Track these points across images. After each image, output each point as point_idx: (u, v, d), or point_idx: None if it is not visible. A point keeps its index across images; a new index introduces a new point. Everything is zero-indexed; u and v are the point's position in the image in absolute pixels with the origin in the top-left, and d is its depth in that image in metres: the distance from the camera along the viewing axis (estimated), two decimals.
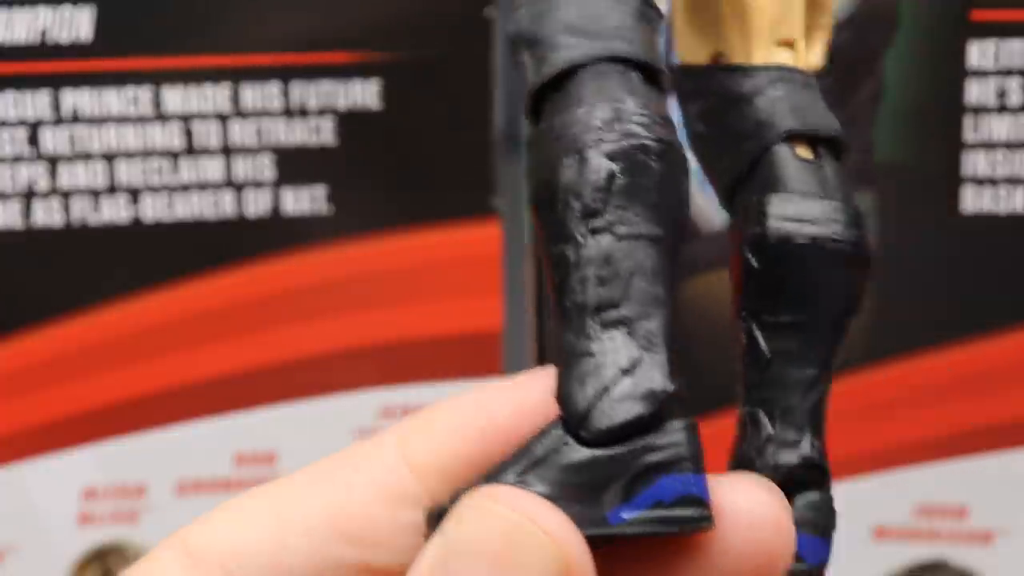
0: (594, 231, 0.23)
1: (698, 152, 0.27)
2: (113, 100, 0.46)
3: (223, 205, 0.47)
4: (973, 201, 0.47)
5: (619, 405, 0.22)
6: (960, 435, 0.49)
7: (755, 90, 0.26)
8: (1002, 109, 0.47)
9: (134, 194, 0.47)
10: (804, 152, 0.26)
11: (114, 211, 0.47)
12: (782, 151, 0.26)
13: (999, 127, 0.47)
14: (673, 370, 0.23)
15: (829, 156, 0.26)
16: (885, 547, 0.50)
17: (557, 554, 0.21)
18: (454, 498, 0.22)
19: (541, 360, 0.50)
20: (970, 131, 0.47)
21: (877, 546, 0.50)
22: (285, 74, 0.47)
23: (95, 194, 0.47)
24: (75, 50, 0.45)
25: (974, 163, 0.47)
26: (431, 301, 0.49)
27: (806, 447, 0.25)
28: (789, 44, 0.27)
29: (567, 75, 0.24)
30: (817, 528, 0.26)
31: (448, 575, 0.21)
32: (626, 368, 0.22)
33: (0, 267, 0.47)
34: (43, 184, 0.46)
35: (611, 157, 0.23)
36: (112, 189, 0.47)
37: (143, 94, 0.46)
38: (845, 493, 0.51)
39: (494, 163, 0.48)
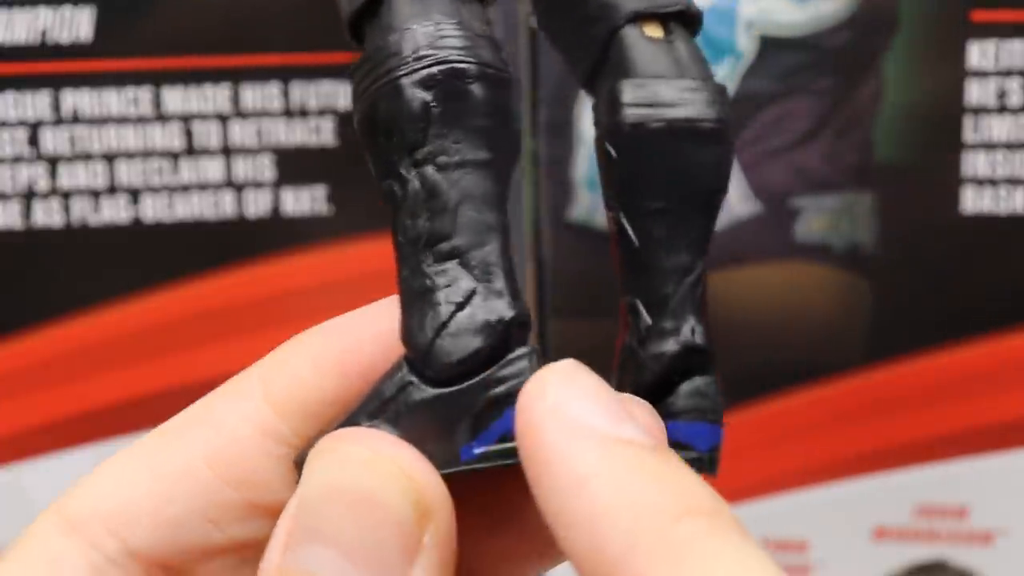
0: (417, 164, 0.22)
1: (553, 43, 0.26)
2: (113, 100, 0.46)
3: (223, 205, 0.47)
4: (973, 201, 0.47)
5: (457, 340, 0.22)
6: (960, 435, 0.49)
7: None
8: (1002, 109, 0.47)
9: (134, 194, 0.47)
10: (653, 31, 0.25)
11: (114, 211, 0.47)
12: (630, 33, 0.25)
13: (999, 127, 0.47)
14: (511, 297, 0.22)
15: (680, 30, 0.25)
16: (885, 547, 0.50)
17: (410, 485, 0.21)
18: (313, 444, 0.22)
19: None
20: (970, 131, 0.47)
21: (877, 546, 0.50)
22: (285, 74, 0.47)
23: (95, 194, 0.47)
24: (75, 50, 0.45)
25: (974, 163, 0.47)
26: None
27: (686, 333, 0.24)
28: None
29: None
30: (705, 414, 0.25)
31: (309, 523, 0.21)
32: (461, 302, 0.22)
33: (0, 267, 0.47)
34: (43, 184, 0.46)
35: (424, 86, 0.22)
36: (112, 189, 0.47)
37: (143, 94, 0.46)
38: (845, 493, 0.51)
39: None
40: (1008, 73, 0.46)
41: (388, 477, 0.21)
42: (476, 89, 0.22)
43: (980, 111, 0.47)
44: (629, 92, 0.24)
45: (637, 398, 0.23)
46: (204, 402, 0.25)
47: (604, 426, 0.20)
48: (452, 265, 0.22)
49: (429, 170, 0.22)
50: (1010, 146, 0.47)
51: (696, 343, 0.25)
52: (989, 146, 0.47)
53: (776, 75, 0.47)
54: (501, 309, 0.22)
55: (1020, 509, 0.50)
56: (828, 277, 0.48)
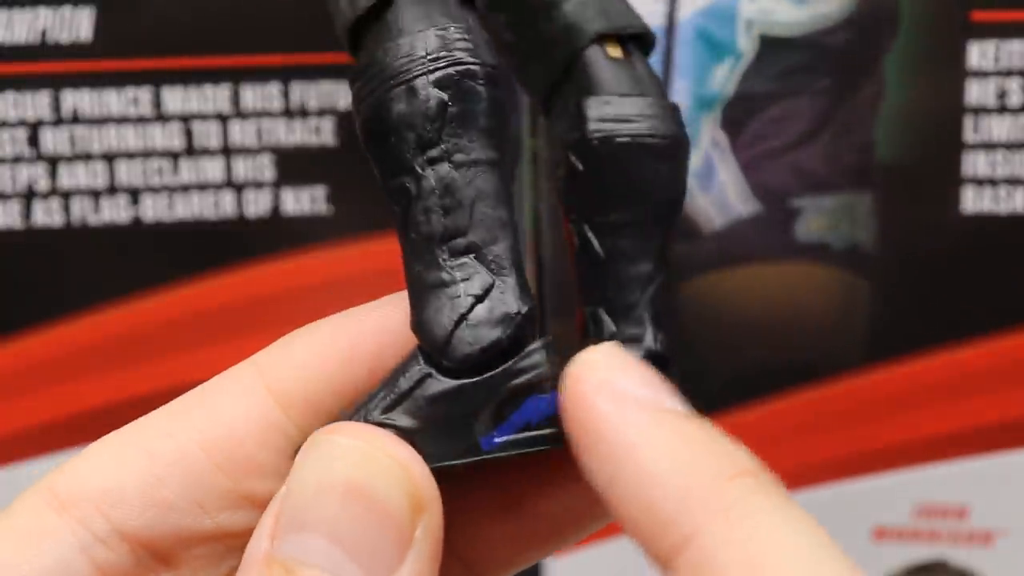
0: (431, 161, 0.23)
1: (512, 57, 0.27)
2: (113, 100, 0.46)
3: (223, 205, 0.47)
4: (973, 201, 0.47)
5: (477, 332, 0.23)
6: (960, 435, 0.49)
7: None
8: (1002, 109, 0.47)
9: (134, 194, 0.47)
10: (614, 52, 0.26)
11: (114, 211, 0.47)
12: (594, 53, 0.26)
13: (999, 127, 0.47)
14: (524, 291, 0.23)
15: (638, 52, 0.27)
16: (885, 547, 0.50)
17: (406, 479, 0.22)
18: None
19: None
20: (970, 131, 0.47)
21: (877, 546, 0.50)
22: (285, 74, 0.47)
23: (95, 194, 0.47)
24: (75, 50, 0.45)
25: (974, 163, 0.47)
26: None
27: (649, 341, 0.26)
28: None
29: (384, 5, 0.24)
30: None
31: (301, 513, 0.21)
32: (479, 295, 0.23)
33: (0, 267, 0.47)
34: (43, 184, 0.46)
35: (440, 86, 0.23)
36: (112, 189, 0.47)
37: (143, 94, 0.46)
38: (845, 493, 0.51)
39: None
40: (1008, 73, 0.46)
41: (384, 470, 0.21)
42: (486, 90, 0.23)
43: (980, 111, 0.47)
44: (596, 108, 0.26)
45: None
46: (200, 390, 0.25)
47: (649, 397, 0.22)
48: (469, 260, 0.23)
49: (445, 168, 0.23)
50: (1010, 146, 0.47)
51: (658, 351, 0.26)
52: (989, 146, 0.47)
53: (776, 75, 0.47)
54: (517, 302, 0.23)
55: (1020, 509, 0.50)
56: (828, 277, 0.48)
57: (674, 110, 0.26)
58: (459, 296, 0.23)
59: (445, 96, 0.23)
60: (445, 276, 0.23)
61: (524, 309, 0.23)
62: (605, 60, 0.26)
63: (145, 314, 0.48)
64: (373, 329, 0.24)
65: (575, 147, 0.25)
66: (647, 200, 0.26)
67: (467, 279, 0.23)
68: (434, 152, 0.23)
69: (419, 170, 0.23)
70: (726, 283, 0.48)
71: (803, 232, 0.48)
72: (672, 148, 0.26)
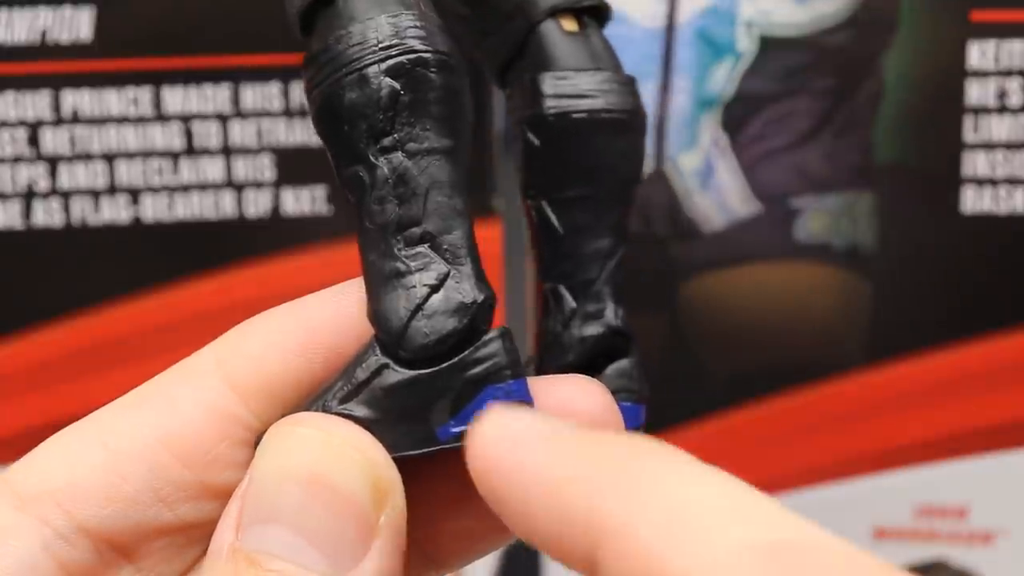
0: (384, 150, 0.23)
1: (467, 30, 0.27)
2: (113, 100, 0.46)
3: (223, 205, 0.47)
4: (973, 201, 0.47)
5: (432, 322, 0.22)
6: (960, 435, 0.49)
7: None
8: (1002, 109, 0.47)
9: (134, 194, 0.47)
10: (570, 25, 0.26)
11: (114, 211, 0.47)
12: (549, 28, 0.26)
13: (999, 127, 0.47)
14: (480, 280, 0.23)
15: (594, 25, 0.26)
16: (885, 547, 0.50)
17: (368, 467, 0.22)
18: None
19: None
20: (970, 131, 0.47)
21: (877, 546, 0.50)
22: (285, 74, 0.47)
23: (95, 194, 0.47)
24: (75, 50, 0.45)
25: (974, 163, 0.47)
26: None
27: (610, 316, 0.26)
28: None
29: None
30: (632, 394, 0.26)
31: (265, 504, 0.21)
32: (435, 284, 0.23)
33: (0, 267, 0.47)
34: (43, 184, 0.46)
35: (392, 75, 0.22)
36: (112, 189, 0.47)
37: (143, 94, 0.46)
38: (845, 493, 0.51)
39: (494, 163, 0.48)
40: (1008, 73, 0.46)
41: (346, 460, 0.21)
42: (438, 78, 0.23)
43: (980, 111, 0.47)
44: (551, 84, 0.25)
45: (575, 375, 0.24)
46: (156, 382, 0.25)
47: (544, 428, 0.21)
48: (424, 249, 0.23)
49: (398, 157, 0.23)
50: (1010, 146, 0.47)
51: (619, 327, 0.26)
52: (989, 146, 0.47)
53: (776, 75, 0.47)
54: (473, 291, 0.23)
55: (1020, 509, 0.50)
56: (828, 277, 0.48)
57: (631, 83, 0.26)
58: (414, 286, 0.23)
59: (397, 85, 0.22)
60: (400, 266, 0.23)
61: (480, 298, 0.23)
62: (560, 34, 0.26)
63: (145, 314, 0.48)
64: (329, 316, 0.24)
65: (531, 123, 0.25)
66: (604, 175, 0.25)
67: (422, 268, 0.23)
68: (387, 141, 0.23)
69: (372, 159, 0.23)
70: (726, 283, 0.49)
71: (803, 232, 0.48)
72: (629, 123, 0.25)
